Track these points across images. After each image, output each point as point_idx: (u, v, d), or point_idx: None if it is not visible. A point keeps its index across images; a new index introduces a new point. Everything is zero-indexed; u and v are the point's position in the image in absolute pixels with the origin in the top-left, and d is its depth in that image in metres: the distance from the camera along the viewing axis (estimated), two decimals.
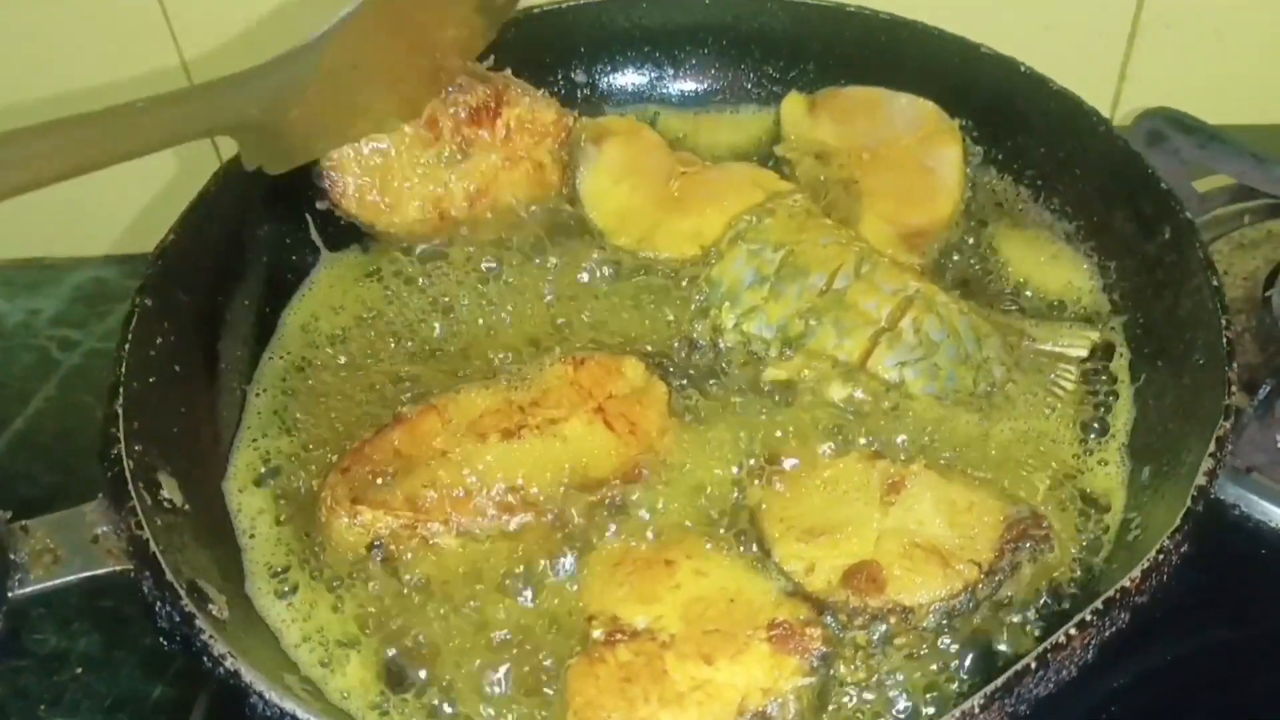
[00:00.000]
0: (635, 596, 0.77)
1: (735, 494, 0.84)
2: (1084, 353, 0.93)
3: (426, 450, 0.83)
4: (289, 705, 0.67)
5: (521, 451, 0.83)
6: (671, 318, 0.95)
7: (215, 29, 1.21)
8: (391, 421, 0.86)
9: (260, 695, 0.67)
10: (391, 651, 0.78)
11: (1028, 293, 0.98)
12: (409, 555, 0.81)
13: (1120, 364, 0.93)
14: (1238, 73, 1.26)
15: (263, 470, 0.89)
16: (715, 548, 0.81)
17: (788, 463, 0.84)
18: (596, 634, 0.75)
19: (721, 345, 0.92)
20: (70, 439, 1.14)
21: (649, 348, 0.93)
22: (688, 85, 1.16)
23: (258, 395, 0.94)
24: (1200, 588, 0.87)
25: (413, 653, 0.78)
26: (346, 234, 1.02)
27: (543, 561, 0.81)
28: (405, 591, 0.80)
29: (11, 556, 0.74)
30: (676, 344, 0.93)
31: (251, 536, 0.85)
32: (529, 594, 0.80)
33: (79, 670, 0.96)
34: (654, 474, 0.85)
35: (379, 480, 0.82)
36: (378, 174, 0.95)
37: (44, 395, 1.20)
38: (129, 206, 1.30)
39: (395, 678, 0.77)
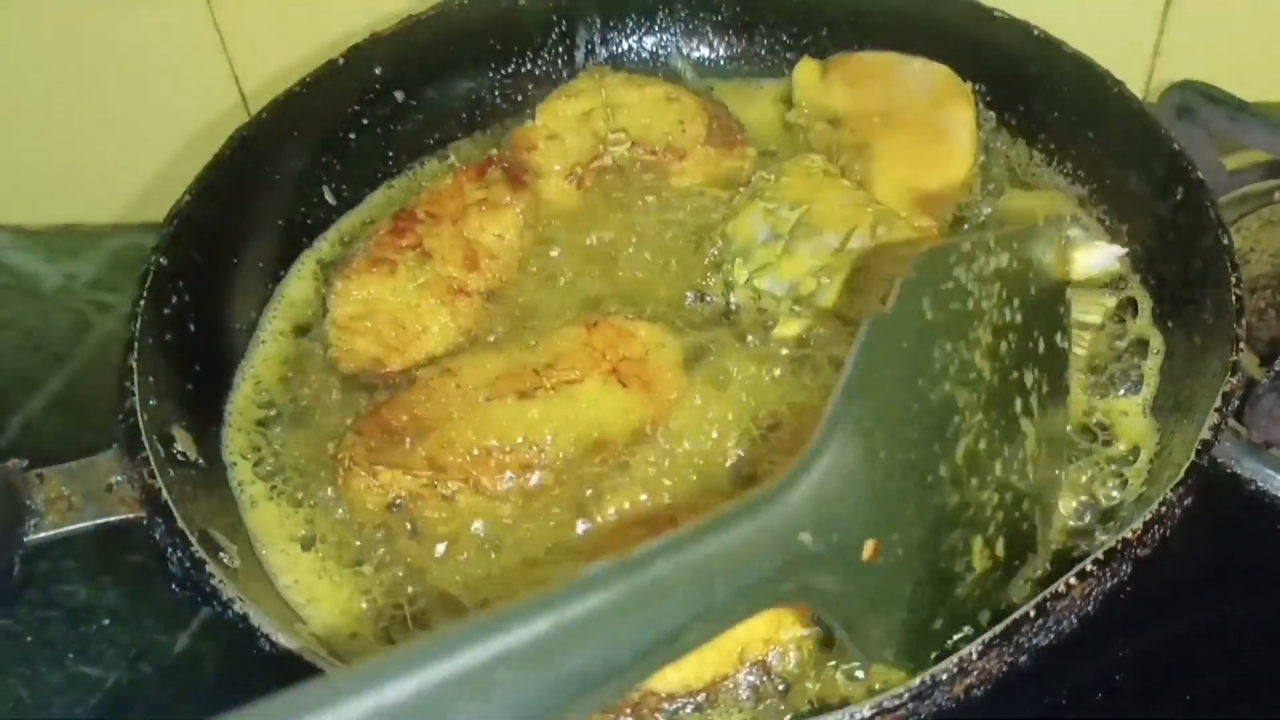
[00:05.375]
0: None
1: (740, 454, 0.84)
2: (1099, 319, 0.92)
3: (442, 412, 0.84)
4: (297, 648, 0.67)
5: (537, 413, 0.84)
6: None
7: (274, 60, 1.22)
8: (407, 384, 0.87)
9: (268, 639, 0.68)
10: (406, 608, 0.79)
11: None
12: (429, 514, 0.82)
13: (1132, 326, 0.92)
14: (1275, 48, 1.24)
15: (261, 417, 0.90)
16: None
17: (793, 423, 0.84)
18: None
19: (732, 301, 0.92)
20: (105, 400, 1.14)
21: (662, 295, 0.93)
22: (701, 51, 1.16)
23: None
24: (1214, 562, 0.88)
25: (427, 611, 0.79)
26: (361, 195, 1.03)
27: (555, 519, 0.81)
28: (422, 549, 0.81)
29: (27, 503, 0.75)
30: (689, 296, 0.93)
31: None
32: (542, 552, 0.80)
33: (106, 622, 0.97)
34: (664, 433, 0.85)
35: (397, 441, 0.83)
36: (382, 321, 0.91)
37: (80, 357, 1.21)
38: (163, 171, 1.33)
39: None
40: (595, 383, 0.86)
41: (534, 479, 0.82)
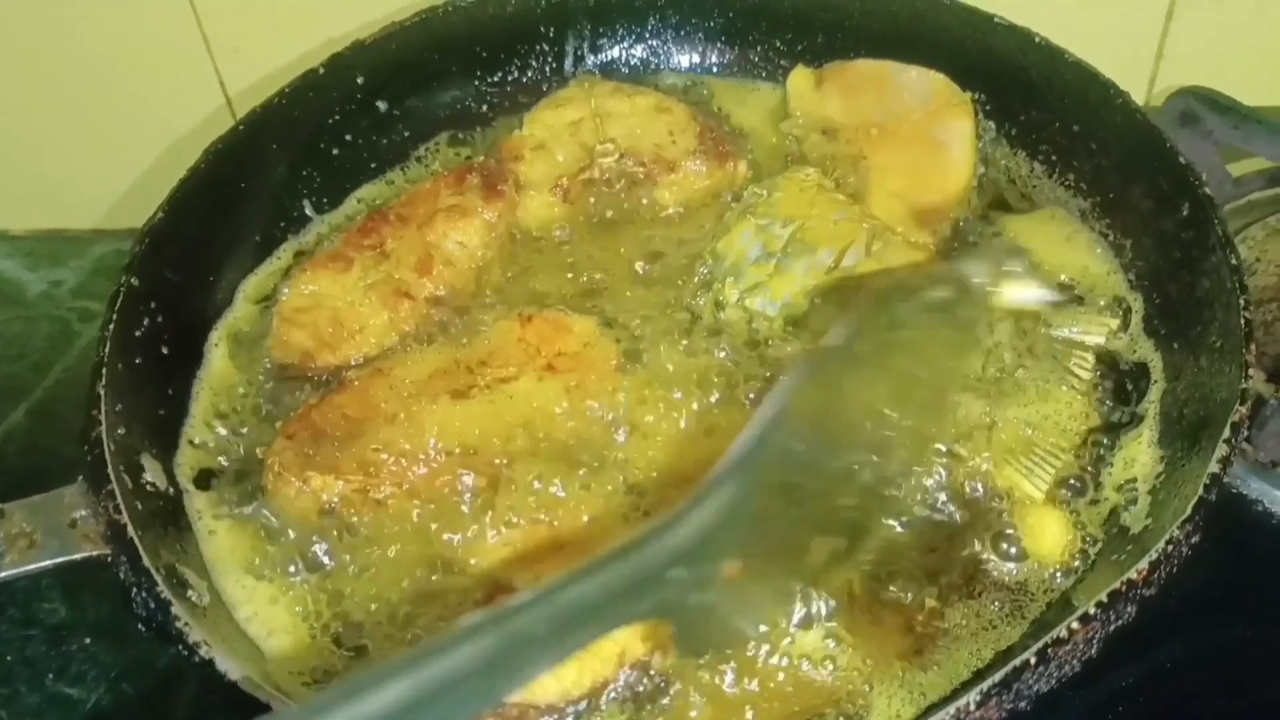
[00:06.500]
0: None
1: None
2: (1101, 340, 0.89)
3: (375, 414, 0.83)
4: (263, 697, 0.65)
5: (471, 411, 0.83)
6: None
7: (259, 63, 1.20)
8: (338, 386, 0.85)
9: (235, 686, 0.66)
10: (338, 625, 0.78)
11: (1041, 272, 0.94)
12: (362, 518, 0.80)
13: (1136, 348, 0.89)
14: (1278, 52, 1.21)
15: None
16: None
17: None
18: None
19: (722, 320, 0.89)
20: None
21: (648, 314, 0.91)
22: (693, 58, 1.14)
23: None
24: (1220, 585, 0.86)
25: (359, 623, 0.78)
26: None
27: (486, 519, 0.79)
28: (354, 559, 0.80)
29: None
30: (678, 317, 0.90)
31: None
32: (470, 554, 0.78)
33: (87, 640, 0.96)
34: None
35: (327, 445, 0.81)
36: (323, 316, 0.90)
37: (63, 366, 1.20)
38: (148, 176, 1.30)
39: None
40: (530, 379, 0.84)
41: (469, 479, 0.80)
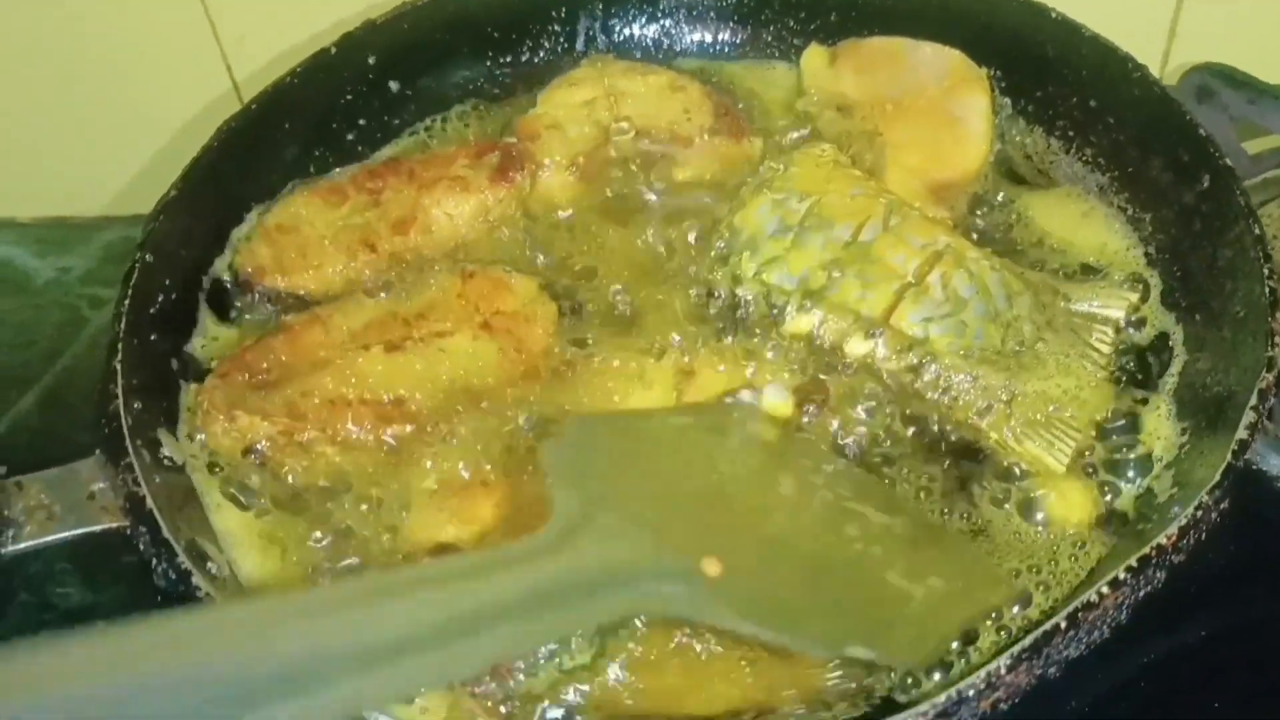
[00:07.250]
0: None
1: None
2: (1121, 314, 0.89)
3: (308, 359, 0.83)
4: None
5: (404, 364, 0.82)
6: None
7: (266, 49, 1.20)
8: (275, 329, 0.85)
9: None
10: None
11: (1059, 248, 0.94)
12: (286, 461, 0.80)
13: (1156, 320, 0.89)
14: None
15: None
16: None
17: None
18: None
19: (740, 295, 0.89)
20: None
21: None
22: (705, 37, 1.13)
23: None
24: (1241, 562, 0.85)
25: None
26: None
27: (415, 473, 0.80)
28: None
29: (5, 513, 0.73)
30: (694, 291, 0.90)
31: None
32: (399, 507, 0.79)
33: (102, 624, 0.95)
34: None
35: (258, 386, 0.81)
36: (293, 241, 0.91)
37: (73, 353, 1.19)
38: (155, 161, 1.30)
39: None
40: (466, 336, 0.84)
41: (392, 431, 0.80)
